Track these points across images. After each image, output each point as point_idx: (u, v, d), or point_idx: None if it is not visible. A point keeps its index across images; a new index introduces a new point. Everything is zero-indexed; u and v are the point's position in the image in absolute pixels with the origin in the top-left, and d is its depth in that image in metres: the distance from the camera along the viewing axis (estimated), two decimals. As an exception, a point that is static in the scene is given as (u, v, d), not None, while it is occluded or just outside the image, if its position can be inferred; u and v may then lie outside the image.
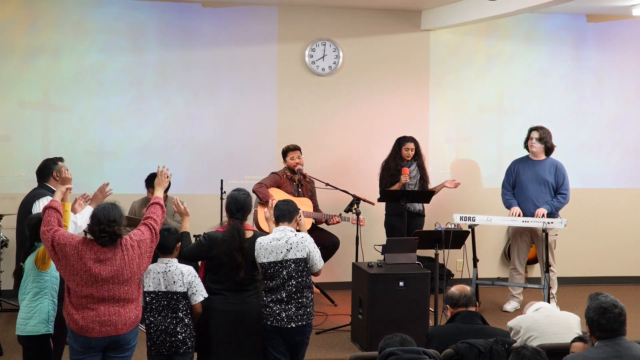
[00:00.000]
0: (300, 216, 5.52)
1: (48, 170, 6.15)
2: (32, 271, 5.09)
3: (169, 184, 7.18)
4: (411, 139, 8.18)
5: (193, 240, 5.67)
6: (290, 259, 5.27)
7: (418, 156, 8.21)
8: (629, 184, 9.63)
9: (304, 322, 5.32)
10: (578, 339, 4.41)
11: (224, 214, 5.65)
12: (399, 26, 9.03)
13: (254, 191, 7.64)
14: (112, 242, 4.62)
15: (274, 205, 5.53)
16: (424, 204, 8.23)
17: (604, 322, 4.02)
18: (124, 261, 4.64)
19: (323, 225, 7.98)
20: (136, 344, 4.89)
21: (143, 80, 8.58)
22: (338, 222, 7.88)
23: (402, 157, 8.14)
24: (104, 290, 4.61)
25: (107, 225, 4.59)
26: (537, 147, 7.91)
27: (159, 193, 5.07)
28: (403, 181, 7.95)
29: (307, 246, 5.33)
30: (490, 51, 9.28)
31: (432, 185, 8.32)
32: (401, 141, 8.19)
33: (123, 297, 4.68)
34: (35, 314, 5.06)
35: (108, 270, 4.60)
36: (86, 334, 4.65)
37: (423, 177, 8.19)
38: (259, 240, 5.34)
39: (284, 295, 5.28)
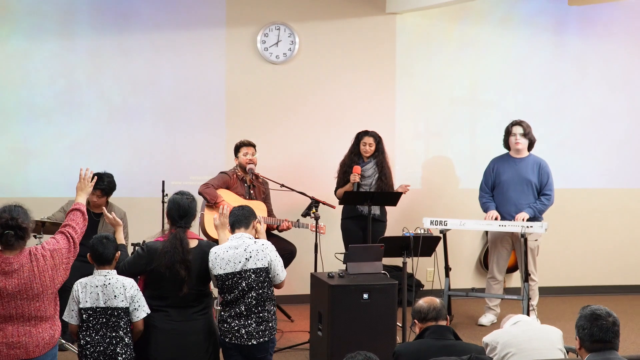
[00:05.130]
0: (258, 222, 5.43)
1: None
2: None
3: (112, 186, 7.08)
4: (371, 134, 7.84)
5: (131, 251, 5.60)
6: (249, 269, 5.12)
7: (379, 153, 7.84)
8: (614, 184, 9.46)
9: (266, 338, 5.20)
10: None
11: (166, 220, 5.41)
12: (362, 9, 8.74)
13: (199, 193, 7.29)
14: (19, 239, 4.38)
15: (228, 212, 5.42)
16: (385, 208, 7.91)
17: (595, 330, 3.92)
18: (33, 273, 4.40)
19: (275, 232, 7.64)
20: None
21: (74, 69, 8.18)
22: (289, 228, 7.55)
23: (360, 153, 7.81)
24: (11, 307, 4.39)
25: (9, 219, 4.37)
26: (523, 143, 7.72)
27: (80, 199, 4.94)
28: (352, 181, 7.61)
29: (269, 254, 5.19)
30: (463, 37, 9.02)
31: (396, 186, 7.99)
32: (360, 136, 7.87)
33: (34, 315, 4.44)
34: None
35: (14, 283, 4.36)
36: None
37: (382, 177, 7.80)
38: (214, 249, 5.18)
39: (242, 309, 5.12)
